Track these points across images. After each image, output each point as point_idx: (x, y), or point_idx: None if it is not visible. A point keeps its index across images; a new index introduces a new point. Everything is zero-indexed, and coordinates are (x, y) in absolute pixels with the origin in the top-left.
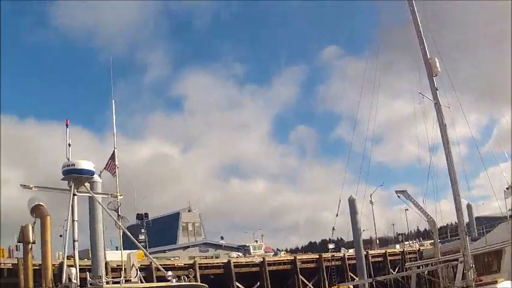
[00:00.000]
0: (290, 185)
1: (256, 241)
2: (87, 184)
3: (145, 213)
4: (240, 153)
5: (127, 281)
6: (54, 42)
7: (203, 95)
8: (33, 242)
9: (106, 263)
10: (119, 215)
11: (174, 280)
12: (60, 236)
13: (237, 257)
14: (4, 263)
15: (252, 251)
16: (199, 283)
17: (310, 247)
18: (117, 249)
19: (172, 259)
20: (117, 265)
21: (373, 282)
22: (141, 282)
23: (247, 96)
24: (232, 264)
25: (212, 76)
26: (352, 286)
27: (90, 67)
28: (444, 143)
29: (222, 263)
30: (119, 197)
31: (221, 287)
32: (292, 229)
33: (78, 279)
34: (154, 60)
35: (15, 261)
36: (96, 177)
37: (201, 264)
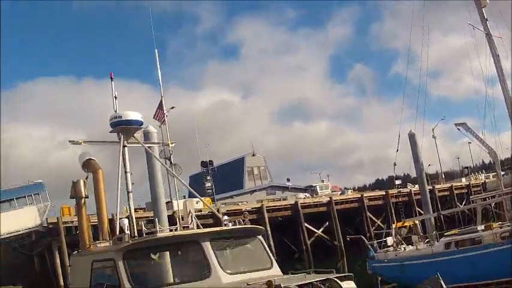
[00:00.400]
0: (352, 124)
1: (323, 181)
2: (137, 135)
3: (209, 161)
4: (299, 96)
5: (184, 228)
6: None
7: (258, 40)
8: (86, 197)
9: (174, 212)
10: (171, 163)
11: (230, 224)
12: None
13: (304, 198)
14: (71, 221)
15: (319, 191)
16: (254, 226)
17: (377, 184)
18: (184, 198)
19: (239, 204)
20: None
21: (440, 217)
22: (198, 228)
23: (301, 39)
24: (299, 205)
25: (265, 22)
26: (417, 221)
27: (143, 21)
28: (499, 73)
29: (290, 204)
30: (170, 145)
31: (290, 228)
32: (358, 167)
33: (135, 230)
34: (205, 10)
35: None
36: (150, 127)
37: (268, 207)
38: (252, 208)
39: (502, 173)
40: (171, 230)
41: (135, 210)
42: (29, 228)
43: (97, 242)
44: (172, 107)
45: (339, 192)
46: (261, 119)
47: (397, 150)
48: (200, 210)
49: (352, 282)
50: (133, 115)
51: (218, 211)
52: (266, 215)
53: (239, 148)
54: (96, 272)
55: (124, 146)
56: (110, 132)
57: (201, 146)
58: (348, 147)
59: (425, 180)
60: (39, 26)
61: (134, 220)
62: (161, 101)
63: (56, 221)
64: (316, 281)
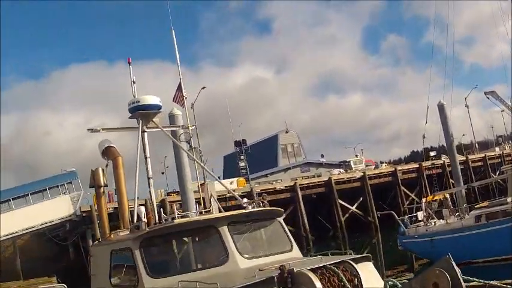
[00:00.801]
0: (386, 95)
1: (357, 156)
2: (156, 119)
3: (243, 140)
4: (333, 69)
5: (207, 212)
6: None
7: (290, 14)
8: (105, 185)
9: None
10: (191, 146)
11: (249, 207)
12: (162, 173)
13: (338, 174)
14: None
15: (353, 166)
16: (273, 208)
17: (413, 156)
18: (219, 179)
19: (274, 182)
20: (219, 195)
21: (475, 189)
22: (220, 212)
23: (332, 12)
24: (333, 181)
25: None
26: (447, 194)
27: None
28: None
29: (323, 181)
30: (190, 128)
31: (324, 205)
32: (394, 140)
33: (156, 217)
34: None
35: (116, 205)
36: (175, 110)
37: (301, 184)
38: (285, 186)
39: None
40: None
41: (169, 194)
42: (63, 218)
43: (118, 230)
44: (203, 87)
45: (373, 167)
46: (294, 95)
47: (426, 122)
48: (234, 191)
49: (370, 263)
50: (151, 99)
51: (252, 191)
52: (299, 192)
53: (273, 125)
54: (117, 255)
55: (143, 131)
56: (129, 118)
57: (234, 126)
58: (383, 119)
59: (455, 152)
60: (67, 14)
61: (155, 206)
62: (180, 83)
63: (89, 209)
64: (330, 264)
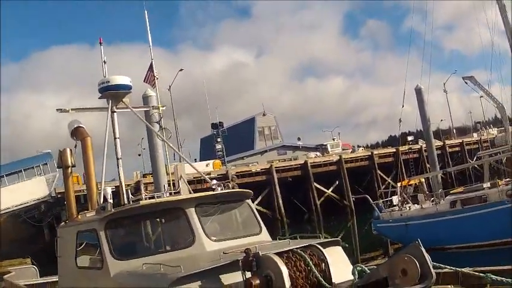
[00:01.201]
0: (366, 80)
1: (334, 139)
2: (126, 100)
3: (219, 122)
4: (313, 53)
5: (176, 194)
6: None
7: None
8: (73, 166)
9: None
10: (161, 127)
11: (219, 188)
12: (139, 155)
13: (314, 157)
14: (80, 190)
15: (329, 149)
16: (242, 189)
17: (391, 141)
18: (195, 161)
19: (250, 165)
20: (194, 177)
21: (451, 174)
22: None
23: None
24: (309, 164)
25: None
26: (423, 179)
27: None
28: (505, 24)
29: (299, 164)
30: (160, 109)
31: (299, 188)
32: (372, 125)
33: (125, 198)
34: None
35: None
36: (149, 91)
37: (277, 167)
38: (261, 169)
39: (511, 128)
40: (158, 197)
41: (145, 175)
42: (38, 199)
43: (85, 212)
44: (181, 70)
45: (350, 151)
46: (274, 79)
47: (403, 105)
48: (209, 173)
49: (339, 248)
50: (121, 79)
51: (227, 173)
52: (275, 175)
53: (252, 109)
54: (83, 236)
55: (113, 112)
56: (99, 98)
57: (212, 108)
58: (362, 104)
59: (431, 136)
60: None
61: (124, 187)
62: (151, 64)
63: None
64: (297, 248)
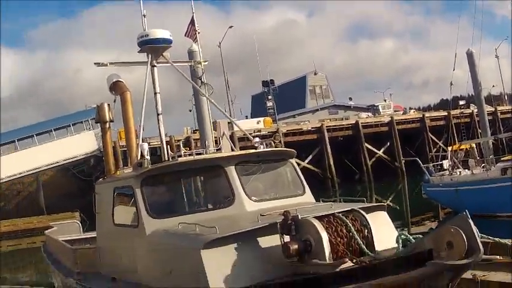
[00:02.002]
0: (416, 43)
1: (385, 100)
2: (166, 54)
3: (270, 80)
4: (365, 14)
5: (217, 151)
6: None
7: None
8: (111, 121)
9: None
10: (202, 82)
11: (261, 147)
12: (189, 111)
13: (366, 118)
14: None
15: (381, 110)
16: (286, 149)
17: (443, 104)
18: (246, 118)
19: (301, 123)
20: (243, 134)
21: (503, 141)
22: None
23: None
24: (360, 125)
25: None
26: (474, 144)
27: None
28: None
29: (350, 124)
30: (202, 64)
31: (350, 148)
32: (423, 87)
33: (166, 155)
34: None
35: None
36: (194, 46)
37: (328, 126)
38: (312, 128)
39: None
40: (198, 154)
41: (195, 131)
42: (87, 154)
43: (124, 167)
44: (231, 26)
45: (401, 112)
46: (325, 39)
47: (454, 69)
48: (259, 131)
49: (384, 213)
50: (161, 33)
51: (278, 131)
52: (326, 134)
53: (302, 68)
54: (121, 193)
55: (153, 66)
56: (138, 52)
57: (263, 66)
58: (413, 66)
59: (483, 101)
60: None
61: (165, 144)
62: (192, 18)
63: (113, 145)
64: (339, 212)
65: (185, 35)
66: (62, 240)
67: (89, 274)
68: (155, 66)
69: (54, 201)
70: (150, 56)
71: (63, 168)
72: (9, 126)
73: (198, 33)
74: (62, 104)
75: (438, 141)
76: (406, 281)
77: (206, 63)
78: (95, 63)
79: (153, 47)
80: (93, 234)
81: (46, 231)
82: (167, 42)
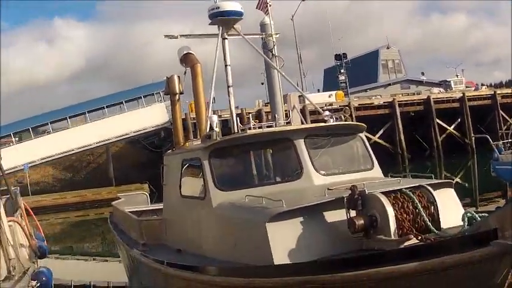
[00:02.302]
0: (491, 19)
1: (457, 76)
2: (237, 26)
3: (343, 54)
4: None
5: (287, 124)
6: None
7: None
8: (181, 93)
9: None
10: (273, 55)
11: (331, 120)
12: (262, 83)
13: (438, 93)
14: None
15: (452, 86)
16: (355, 123)
17: None
18: (318, 92)
19: (373, 98)
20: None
21: None
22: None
23: None
24: (432, 100)
25: None
26: None
27: None
28: None
29: (422, 99)
30: (274, 36)
31: (421, 124)
32: (496, 63)
33: (235, 127)
34: None
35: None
36: (266, 19)
37: (400, 101)
38: (384, 102)
39: None
40: (268, 127)
41: (267, 104)
42: (157, 126)
43: (193, 139)
44: (303, 0)
45: (473, 88)
46: (398, 13)
47: None
48: (331, 104)
49: (451, 190)
50: (232, 5)
51: (349, 104)
52: (398, 109)
53: (375, 42)
54: (189, 164)
55: (224, 38)
56: (209, 24)
57: (335, 40)
58: (485, 42)
59: None
60: None
61: (234, 116)
62: None
63: (184, 117)
64: (406, 188)
65: (256, 8)
66: (129, 212)
67: (154, 246)
68: (226, 38)
69: (124, 173)
70: (221, 28)
71: (133, 140)
72: (81, 98)
73: (270, 5)
74: (133, 77)
75: (509, 119)
76: (469, 260)
77: (277, 35)
78: (165, 35)
79: (223, 19)
80: (160, 205)
81: (113, 202)
82: (238, 14)
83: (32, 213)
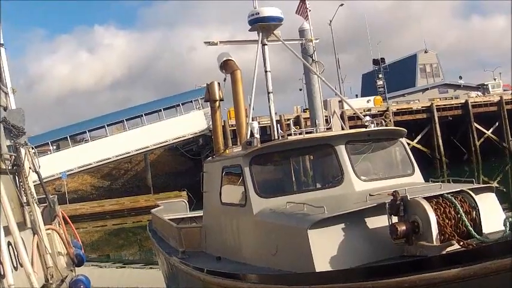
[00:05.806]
0: None
1: (495, 79)
2: (277, 32)
3: (381, 58)
4: None
5: (327, 130)
6: None
7: None
8: (221, 100)
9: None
10: (313, 60)
11: (372, 125)
12: (300, 89)
13: (476, 97)
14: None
15: (490, 89)
16: (396, 127)
17: None
18: (356, 97)
19: (411, 102)
20: (353, 113)
21: None
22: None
23: None
24: (469, 104)
25: None
26: None
27: None
28: None
29: (460, 103)
30: (313, 42)
31: (459, 128)
32: None
33: (276, 133)
34: None
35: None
36: (305, 24)
37: (438, 106)
38: (422, 107)
39: None
40: (307, 133)
41: (305, 110)
42: (196, 133)
43: (233, 146)
44: (342, 4)
45: (510, 92)
46: (439, 14)
47: None
48: (369, 110)
49: (492, 195)
50: (272, 11)
51: (388, 110)
52: (436, 113)
53: (413, 46)
54: (229, 172)
55: (263, 44)
56: (249, 30)
57: (374, 45)
58: None
59: None
60: None
61: (275, 123)
62: None
63: (223, 124)
64: (447, 193)
65: (296, 13)
66: (168, 219)
67: (193, 253)
68: (266, 44)
69: (162, 180)
70: (260, 34)
71: (171, 148)
72: (123, 106)
73: (309, 10)
74: (174, 84)
75: None
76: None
77: (317, 41)
78: (204, 42)
79: (263, 25)
80: (199, 213)
81: (152, 210)
82: (278, 20)
83: (70, 221)
